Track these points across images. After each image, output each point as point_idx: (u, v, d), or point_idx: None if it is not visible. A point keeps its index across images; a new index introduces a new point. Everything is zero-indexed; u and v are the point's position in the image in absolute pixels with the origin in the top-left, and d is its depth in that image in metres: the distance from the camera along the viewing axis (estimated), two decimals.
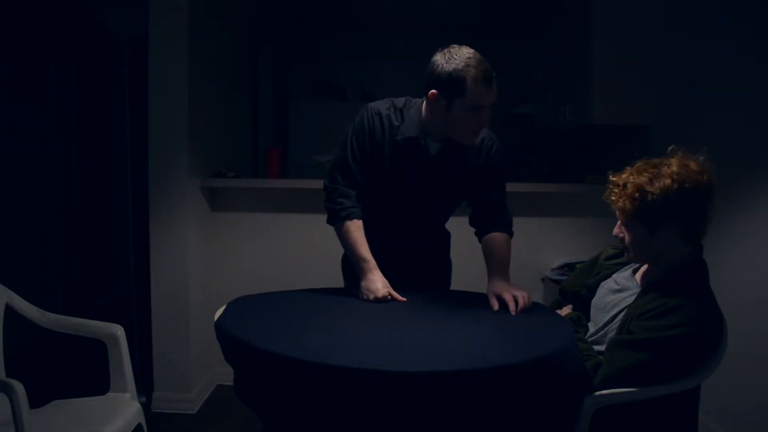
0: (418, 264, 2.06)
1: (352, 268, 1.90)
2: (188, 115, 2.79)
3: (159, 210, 2.83)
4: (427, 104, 1.83)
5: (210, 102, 3.15)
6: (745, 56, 2.39)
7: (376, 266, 1.82)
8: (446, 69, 1.71)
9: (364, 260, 1.82)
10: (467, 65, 1.69)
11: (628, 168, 1.57)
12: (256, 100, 4.89)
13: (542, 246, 3.15)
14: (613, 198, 1.56)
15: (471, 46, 1.78)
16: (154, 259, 2.86)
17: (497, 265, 1.91)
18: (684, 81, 2.84)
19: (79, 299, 4.53)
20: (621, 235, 1.60)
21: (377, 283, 1.77)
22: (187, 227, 2.84)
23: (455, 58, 1.71)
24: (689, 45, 2.80)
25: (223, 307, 1.65)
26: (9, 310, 2.00)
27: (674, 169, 1.49)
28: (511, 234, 2.02)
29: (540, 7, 4.37)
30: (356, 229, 1.86)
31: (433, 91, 1.74)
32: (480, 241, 2.02)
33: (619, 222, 1.59)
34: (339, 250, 3.32)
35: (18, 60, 3.83)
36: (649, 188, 1.49)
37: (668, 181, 1.48)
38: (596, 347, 1.61)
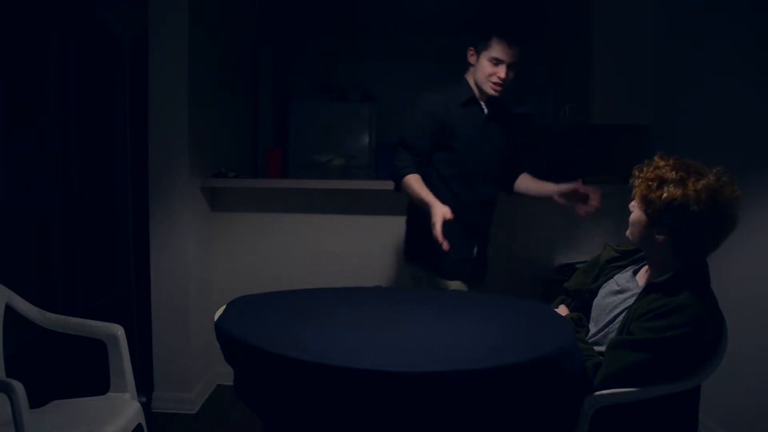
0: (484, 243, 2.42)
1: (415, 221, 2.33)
2: (188, 115, 2.79)
3: (159, 210, 2.83)
4: (468, 67, 2.30)
5: (210, 102, 3.15)
6: (746, 56, 2.39)
7: (436, 200, 2.06)
8: (485, 31, 2.17)
9: (425, 200, 2.08)
10: (498, 26, 2.15)
11: (674, 158, 1.55)
12: (256, 100, 4.89)
13: (542, 246, 3.15)
14: (639, 173, 1.57)
15: (470, 46, 2.23)
16: (154, 259, 2.86)
17: (540, 182, 2.43)
18: (684, 81, 2.84)
19: (79, 299, 4.53)
20: (632, 210, 1.61)
21: (441, 208, 2.00)
22: (187, 227, 2.84)
23: (494, 24, 2.18)
24: (689, 45, 2.80)
25: (223, 307, 1.65)
26: (9, 310, 2.00)
27: (698, 187, 1.46)
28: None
29: (540, 7, 4.37)
30: (414, 181, 2.19)
31: (471, 47, 2.25)
32: (513, 191, 2.50)
33: (635, 198, 1.60)
34: (339, 251, 3.34)
35: (18, 60, 3.83)
36: (664, 186, 1.49)
37: (678, 194, 1.46)
38: (597, 348, 1.61)
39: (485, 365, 1.25)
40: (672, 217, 1.48)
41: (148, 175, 2.82)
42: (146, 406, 2.85)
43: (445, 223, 2.03)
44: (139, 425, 1.95)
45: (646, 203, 1.53)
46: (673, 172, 1.50)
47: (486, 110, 2.32)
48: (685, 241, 1.50)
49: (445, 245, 1.94)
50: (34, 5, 3.97)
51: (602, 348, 1.58)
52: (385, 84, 5.80)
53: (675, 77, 2.92)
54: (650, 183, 1.51)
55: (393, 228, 3.14)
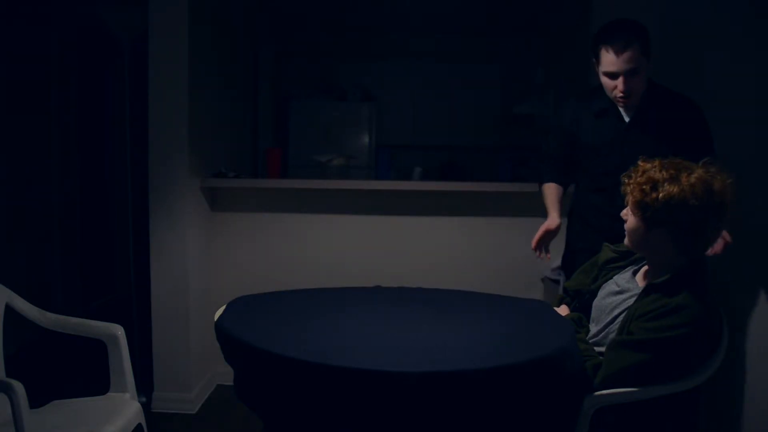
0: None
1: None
2: (188, 114, 2.79)
3: (159, 210, 2.83)
4: None
5: (210, 102, 3.15)
6: (746, 56, 2.39)
7: (558, 213, 2.20)
8: (593, 41, 1.99)
9: (547, 210, 2.23)
10: (601, 34, 1.96)
11: (659, 159, 1.56)
12: (256, 100, 4.89)
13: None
14: (628, 181, 1.57)
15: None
16: (154, 259, 2.86)
17: None
18: (684, 81, 2.84)
19: (79, 299, 4.53)
20: (626, 218, 1.60)
21: (548, 221, 2.18)
22: (187, 227, 2.84)
23: (603, 28, 1.97)
24: (689, 45, 2.80)
25: (223, 307, 1.65)
26: (9, 310, 2.00)
27: (692, 181, 1.47)
28: None
29: (541, 8, 4.37)
30: (546, 189, 2.28)
31: (593, 59, 2.03)
32: None
33: (628, 206, 1.60)
34: (339, 250, 3.34)
35: (18, 60, 3.83)
36: (658, 187, 1.48)
37: (676, 190, 1.46)
38: (597, 348, 1.61)
39: (485, 365, 1.25)
40: (673, 215, 1.48)
41: (148, 175, 2.82)
42: (146, 406, 2.85)
43: (586, 234, 2.18)
44: (139, 425, 1.95)
45: (643, 208, 1.52)
46: (663, 172, 1.50)
47: (627, 117, 2.09)
48: (688, 237, 1.50)
49: (543, 256, 2.19)
50: (34, 5, 3.97)
51: (602, 348, 1.58)
52: (385, 84, 5.81)
53: (675, 77, 2.92)
54: (643, 187, 1.51)
55: (393, 228, 3.14)
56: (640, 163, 1.58)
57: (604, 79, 2.00)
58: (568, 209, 2.36)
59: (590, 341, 1.65)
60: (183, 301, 2.87)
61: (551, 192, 2.27)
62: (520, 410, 1.35)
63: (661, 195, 1.47)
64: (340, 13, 5.26)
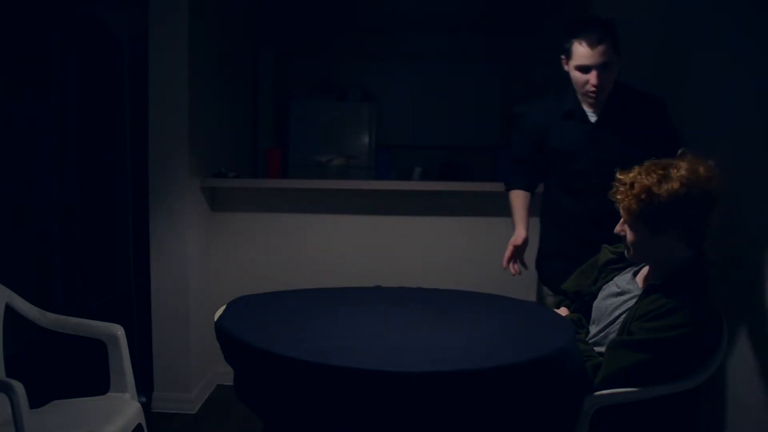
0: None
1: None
2: (188, 115, 2.79)
3: (159, 210, 2.83)
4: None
5: (210, 102, 3.15)
6: (747, 56, 2.38)
7: (525, 226, 2.18)
8: (565, 36, 1.97)
9: (513, 220, 2.21)
10: (575, 29, 1.93)
11: (636, 167, 1.55)
12: (256, 100, 4.89)
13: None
14: (619, 196, 1.55)
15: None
16: (154, 259, 2.86)
17: None
18: (684, 81, 2.84)
19: (79, 299, 4.53)
20: (623, 233, 1.58)
21: (515, 236, 2.15)
22: (187, 227, 2.84)
23: (574, 24, 1.96)
24: (689, 44, 2.80)
25: (223, 307, 1.65)
26: (9, 310, 2.00)
27: (683, 173, 1.48)
28: None
29: (540, 7, 4.37)
30: (514, 198, 2.26)
31: (562, 56, 2.03)
32: None
33: (622, 220, 1.58)
34: (339, 250, 3.34)
35: (18, 60, 3.83)
36: (656, 190, 1.47)
37: (677, 185, 1.46)
38: (597, 349, 1.61)
39: (485, 365, 1.25)
40: (680, 211, 1.47)
41: (148, 175, 2.82)
42: (146, 406, 2.85)
43: (558, 237, 2.17)
44: (139, 425, 1.95)
45: (646, 217, 1.50)
46: (652, 175, 1.50)
47: (594, 118, 2.07)
48: (695, 228, 1.50)
49: (516, 270, 2.14)
50: (34, 5, 3.97)
51: (602, 349, 1.58)
52: (385, 84, 5.81)
53: (675, 77, 2.92)
54: (641, 197, 1.49)
55: (393, 228, 3.14)
56: (619, 176, 1.56)
57: (576, 74, 1.98)
58: (539, 211, 2.35)
59: (590, 342, 1.65)
60: (183, 301, 2.87)
61: (519, 202, 2.23)
62: (520, 410, 1.35)
63: (663, 196, 1.46)
64: (340, 13, 5.26)
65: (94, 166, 4.83)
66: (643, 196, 1.48)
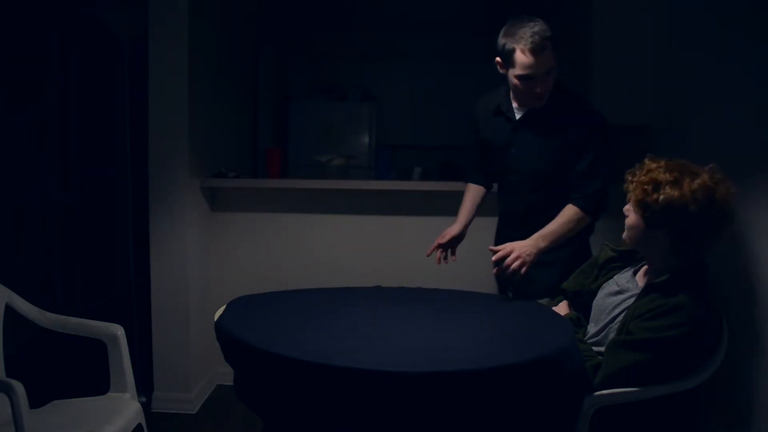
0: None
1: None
2: (188, 115, 2.79)
3: (159, 210, 2.83)
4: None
5: (210, 102, 3.15)
6: (747, 56, 2.38)
7: (460, 221, 2.22)
8: (501, 41, 1.88)
9: (458, 215, 2.24)
10: (518, 36, 1.83)
11: (665, 159, 1.55)
12: (256, 100, 4.89)
13: None
14: (632, 178, 1.56)
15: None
16: (154, 259, 2.86)
17: (540, 231, 1.93)
18: (685, 81, 2.84)
19: (79, 299, 4.53)
20: (627, 214, 1.60)
21: (448, 230, 2.19)
22: (187, 227, 2.84)
23: (511, 28, 1.86)
24: (690, 44, 2.80)
25: (223, 307, 1.65)
26: (9, 310, 2.00)
27: (694, 186, 1.46)
28: (583, 207, 1.95)
29: (540, 8, 4.36)
30: (466, 191, 2.30)
31: (498, 59, 1.94)
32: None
33: (630, 201, 1.59)
34: (338, 250, 3.34)
35: (18, 60, 3.82)
36: (660, 188, 1.48)
37: (676, 194, 1.46)
38: (596, 348, 1.61)
39: (485, 365, 1.25)
40: (671, 219, 1.48)
41: (148, 175, 2.82)
42: (146, 406, 2.85)
43: (498, 234, 2.23)
44: (139, 425, 1.95)
45: (643, 207, 1.52)
46: (667, 174, 1.50)
47: (516, 116, 2.05)
48: (684, 241, 1.51)
49: (441, 257, 2.19)
50: (34, 5, 3.97)
51: (602, 348, 1.58)
52: (385, 84, 5.80)
53: (675, 77, 2.92)
54: (645, 187, 1.51)
55: (393, 228, 3.14)
56: (646, 161, 1.57)
57: (516, 82, 1.90)
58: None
59: (589, 341, 1.65)
60: (183, 301, 2.87)
61: (468, 195, 2.28)
62: (520, 410, 1.35)
63: (661, 198, 1.47)
64: (340, 14, 5.25)
65: (94, 166, 4.83)
66: (646, 188, 1.50)
